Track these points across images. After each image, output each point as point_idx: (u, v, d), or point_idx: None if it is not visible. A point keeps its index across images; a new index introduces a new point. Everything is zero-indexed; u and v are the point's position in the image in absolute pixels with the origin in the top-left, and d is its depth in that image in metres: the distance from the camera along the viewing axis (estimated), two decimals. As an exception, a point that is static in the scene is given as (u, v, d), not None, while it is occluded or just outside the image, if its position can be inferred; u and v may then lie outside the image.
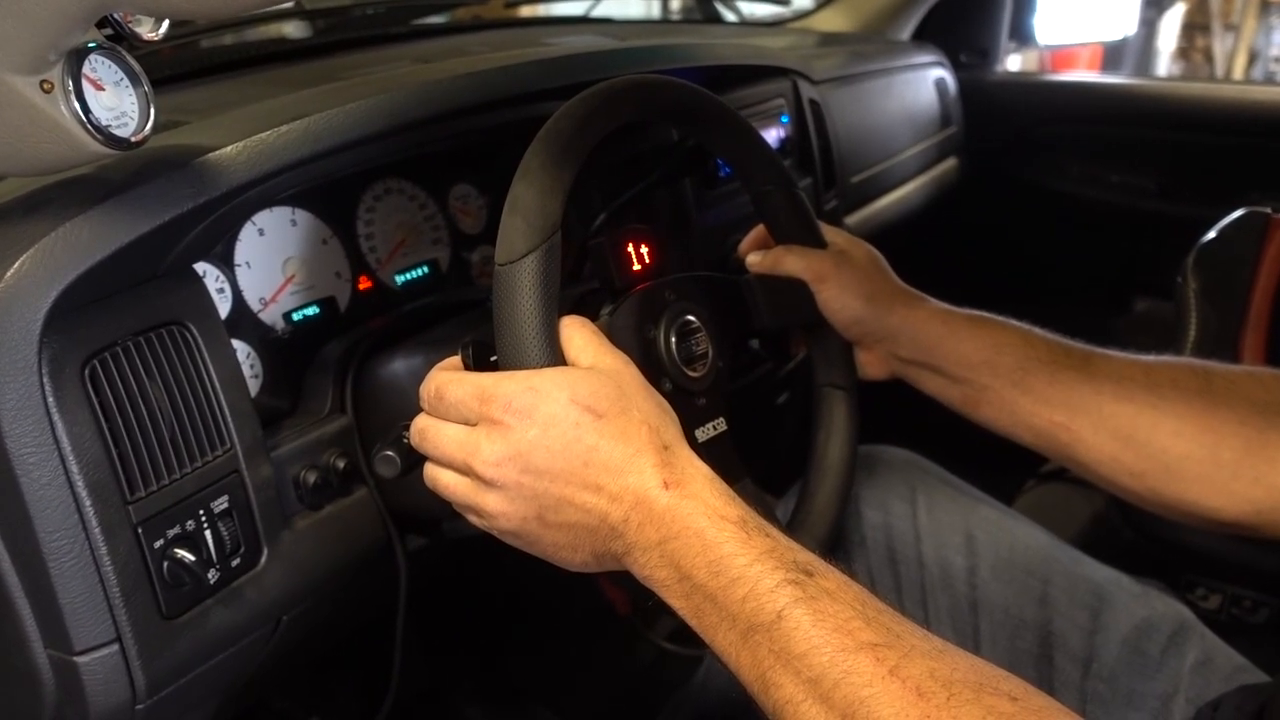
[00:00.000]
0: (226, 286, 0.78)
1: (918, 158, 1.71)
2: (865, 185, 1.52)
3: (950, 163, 1.85)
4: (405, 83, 0.79)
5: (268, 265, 0.81)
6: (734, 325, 0.77)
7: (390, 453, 0.66)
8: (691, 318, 0.73)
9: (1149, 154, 1.79)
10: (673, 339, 0.71)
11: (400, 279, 0.91)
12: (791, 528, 0.76)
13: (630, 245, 0.75)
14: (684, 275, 0.75)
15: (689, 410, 0.71)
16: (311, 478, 0.73)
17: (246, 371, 0.78)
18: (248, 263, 0.80)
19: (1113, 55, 4.37)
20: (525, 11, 1.68)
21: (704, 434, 0.71)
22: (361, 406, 0.78)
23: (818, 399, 0.83)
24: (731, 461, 0.72)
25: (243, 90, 0.95)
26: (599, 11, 1.70)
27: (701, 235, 1.10)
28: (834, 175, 1.39)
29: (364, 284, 0.88)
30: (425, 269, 0.94)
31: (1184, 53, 5.02)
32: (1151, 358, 0.76)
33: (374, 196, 0.90)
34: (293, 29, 1.41)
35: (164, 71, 0.99)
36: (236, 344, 0.78)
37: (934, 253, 2.04)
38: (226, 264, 0.78)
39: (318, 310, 0.84)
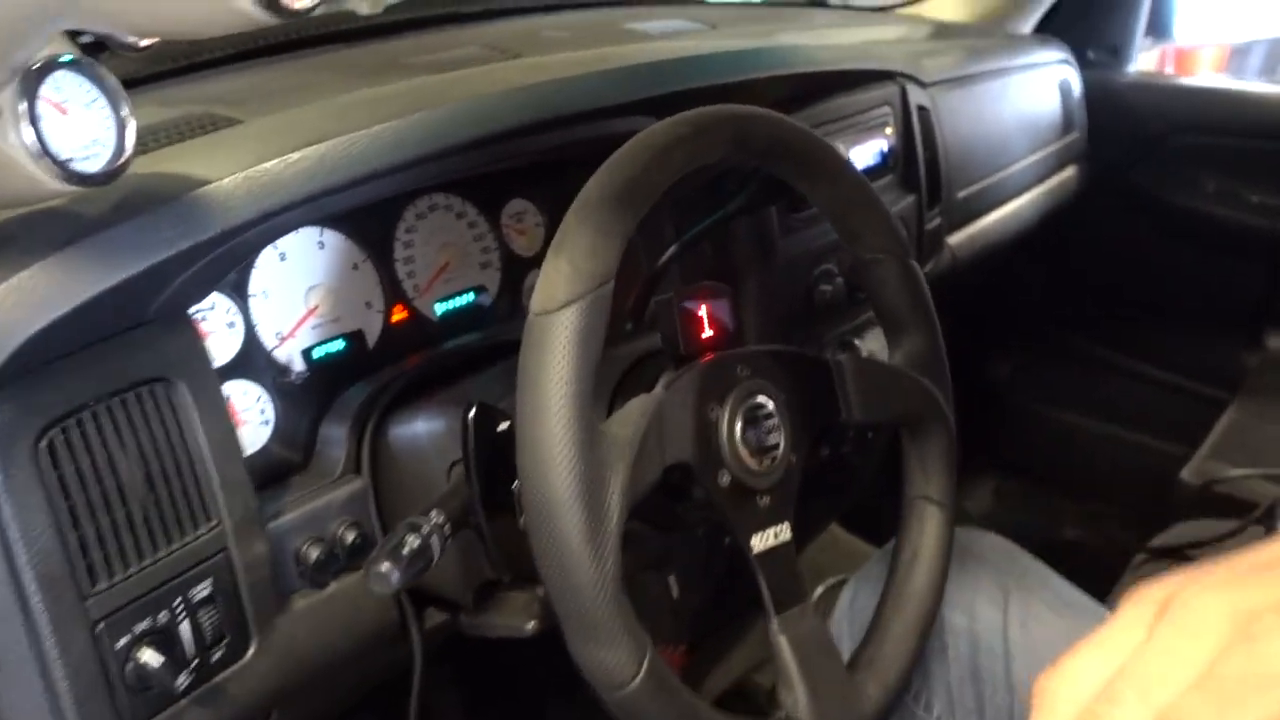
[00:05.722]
0: (238, 319, 0.69)
1: (1033, 168, 1.54)
2: (973, 200, 1.37)
3: (1069, 172, 1.67)
4: (448, 95, 0.68)
5: (288, 294, 0.72)
6: (816, 414, 0.64)
7: (386, 566, 0.55)
8: (765, 399, 0.61)
9: (1298, 174, 1.60)
10: (739, 423, 0.59)
11: (440, 309, 0.81)
12: (857, 667, 0.64)
13: (701, 307, 0.63)
14: (762, 349, 0.63)
15: (747, 512, 0.60)
16: (314, 553, 0.63)
17: (256, 417, 0.69)
18: (264, 292, 0.70)
19: (1237, 55, 4.03)
20: (611, -12, 1.55)
21: (761, 542, 0.60)
22: (379, 468, 0.68)
23: (907, 511, 0.70)
24: (793, 578, 0.60)
25: (289, 78, 0.85)
26: (692, -12, 1.57)
27: (785, 265, 0.97)
28: (939, 190, 1.25)
29: (397, 315, 0.78)
30: (470, 296, 0.84)
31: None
32: None
33: (416, 214, 0.80)
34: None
35: (211, 54, 0.90)
36: (246, 386, 0.69)
37: (1046, 271, 1.88)
38: (239, 294, 0.69)
39: (343, 345, 0.75)
